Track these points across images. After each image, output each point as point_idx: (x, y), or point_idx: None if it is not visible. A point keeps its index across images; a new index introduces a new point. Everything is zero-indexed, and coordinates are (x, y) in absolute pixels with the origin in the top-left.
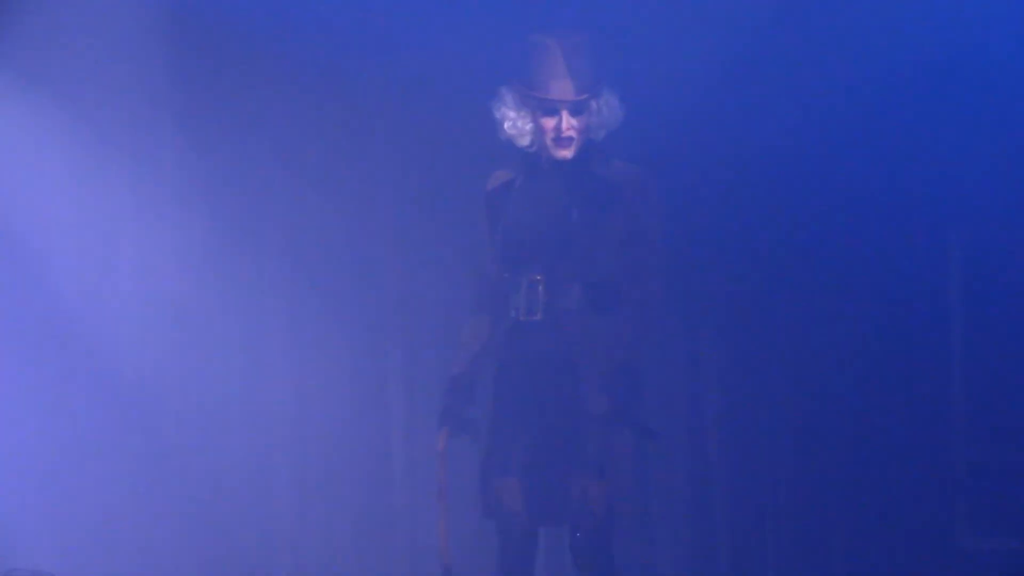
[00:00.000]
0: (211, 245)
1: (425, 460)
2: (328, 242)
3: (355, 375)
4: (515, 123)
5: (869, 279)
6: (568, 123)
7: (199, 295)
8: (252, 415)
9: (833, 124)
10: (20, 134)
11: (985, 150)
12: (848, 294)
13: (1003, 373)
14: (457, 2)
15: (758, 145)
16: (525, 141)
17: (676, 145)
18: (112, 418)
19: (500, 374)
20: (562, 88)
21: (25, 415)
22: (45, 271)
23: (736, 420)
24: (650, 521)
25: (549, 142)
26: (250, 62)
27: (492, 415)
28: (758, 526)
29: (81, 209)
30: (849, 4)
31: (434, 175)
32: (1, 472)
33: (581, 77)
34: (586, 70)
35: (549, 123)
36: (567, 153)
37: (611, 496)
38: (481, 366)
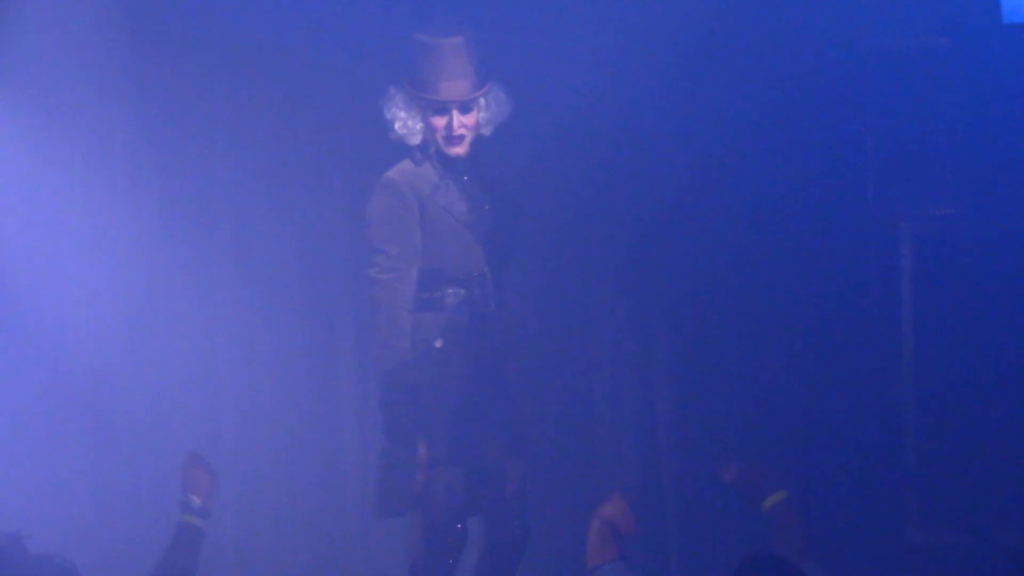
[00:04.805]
0: (162, 236)
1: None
2: (281, 236)
3: (307, 370)
4: (405, 123)
5: (819, 275)
6: (459, 121)
7: (150, 284)
8: (203, 408)
9: (774, 117)
10: None
11: (938, 144)
12: (798, 289)
13: (954, 368)
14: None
15: (696, 138)
16: (416, 140)
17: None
18: (63, 406)
19: (432, 369)
20: (451, 88)
21: None
22: None
23: (686, 417)
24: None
25: (440, 140)
26: (205, 53)
27: (430, 408)
28: (709, 522)
29: (31, 198)
30: None
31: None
32: None
33: (468, 76)
34: (472, 68)
35: (439, 122)
36: (460, 151)
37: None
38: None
